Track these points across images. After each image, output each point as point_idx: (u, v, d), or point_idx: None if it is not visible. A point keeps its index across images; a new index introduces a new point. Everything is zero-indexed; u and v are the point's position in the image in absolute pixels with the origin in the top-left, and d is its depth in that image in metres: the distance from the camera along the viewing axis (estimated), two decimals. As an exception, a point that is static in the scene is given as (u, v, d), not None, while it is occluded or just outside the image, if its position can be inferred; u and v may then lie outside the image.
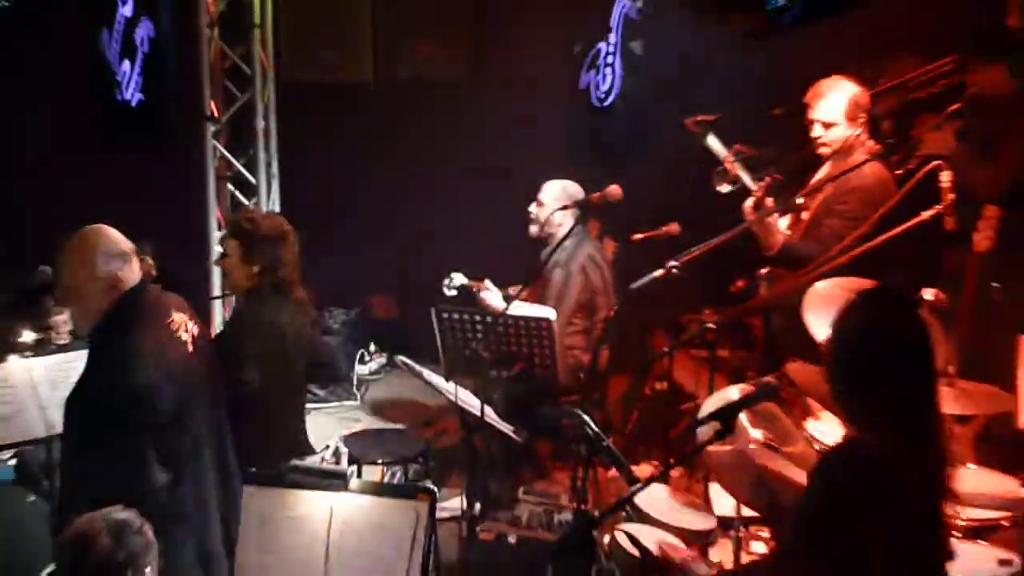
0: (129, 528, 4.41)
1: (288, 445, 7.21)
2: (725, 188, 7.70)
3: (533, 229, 8.77)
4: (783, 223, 7.47)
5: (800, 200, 7.38)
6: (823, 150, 7.45)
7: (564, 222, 8.57)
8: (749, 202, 7.47)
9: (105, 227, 5.95)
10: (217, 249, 10.31)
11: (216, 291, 10.22)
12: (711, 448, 5.38)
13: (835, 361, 4.63)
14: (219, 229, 10.46)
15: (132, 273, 5.93)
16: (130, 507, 4.60)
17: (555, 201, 8.66)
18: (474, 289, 8.58)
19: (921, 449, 4.54)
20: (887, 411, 4.56)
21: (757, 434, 5.12)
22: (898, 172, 7.25)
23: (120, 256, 5.89)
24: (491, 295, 8.52)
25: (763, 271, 7.68)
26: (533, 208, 8.76)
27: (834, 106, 7.41)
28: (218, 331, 7.17)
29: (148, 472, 5.82)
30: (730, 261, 7.66)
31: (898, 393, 4.57)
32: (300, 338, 7.33)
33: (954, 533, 5.51)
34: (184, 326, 6.13)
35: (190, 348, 6.12)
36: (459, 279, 8.52)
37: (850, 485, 4.43)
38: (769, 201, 7.34)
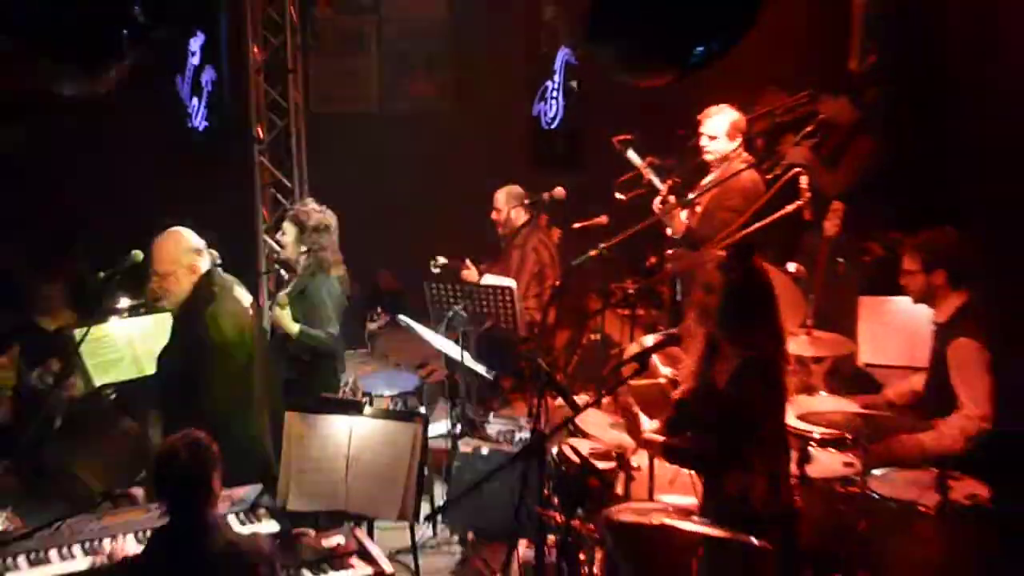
0: (201, 446, 4.43)
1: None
2: (622, 196, 7.72)
3: (500, 229, 8.86)
4: (683, 216, 7.49)
5: (693, 197, 7.42)
6: (708, 157, 7.47)
7: (519, 216, 8.69)
8: (658, 200, 7.52)
9: (182, 228, 6.18)
10: (264, 238, 10.33)
11: (263, 269, 10.22)
12: (632, 382, 5.46)
13: (723, 305, 4.74)
14: (263, 223, 10.51)
15: (205, 261, 6.13)
16: (204, 430, 4.62)
17: (507, 203, 8.77)
18: (455, 267, 8.63)
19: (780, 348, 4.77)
20: (761, 329, 4.67)
21: (666, 371, 5.16)
22: (768, 177, 7.28)
23: (195, 249, 6.12)
24: (469, 272, 8.56)
25: (669, 252, 7.71)
26: (494, 215, 8.84)
27: (718, 125, 7.43)
28: (296, 296, 7.15)
29: (222, 405, 5.94)
30: (645, 243, 7.69)
31: (765, 317, 4.69)
32: (341, 303, 7.34)
33: (811, 444, 5.57)
34: (243, 298, 6.22)
35: (251, 313, 6.19)
36: (442, 260, 8.53)
37: (755, 380, 4.64)
38: (671, 199, 7.40)
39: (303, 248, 7.24)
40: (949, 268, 5.86)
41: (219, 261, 6.29)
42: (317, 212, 7.30)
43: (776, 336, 4.78)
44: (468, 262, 8.65)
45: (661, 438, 5.09)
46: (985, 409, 5.66)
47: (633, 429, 5.14)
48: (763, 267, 4.80)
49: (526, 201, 8.63)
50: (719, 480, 4.78)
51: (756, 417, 4.67)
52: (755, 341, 4.75)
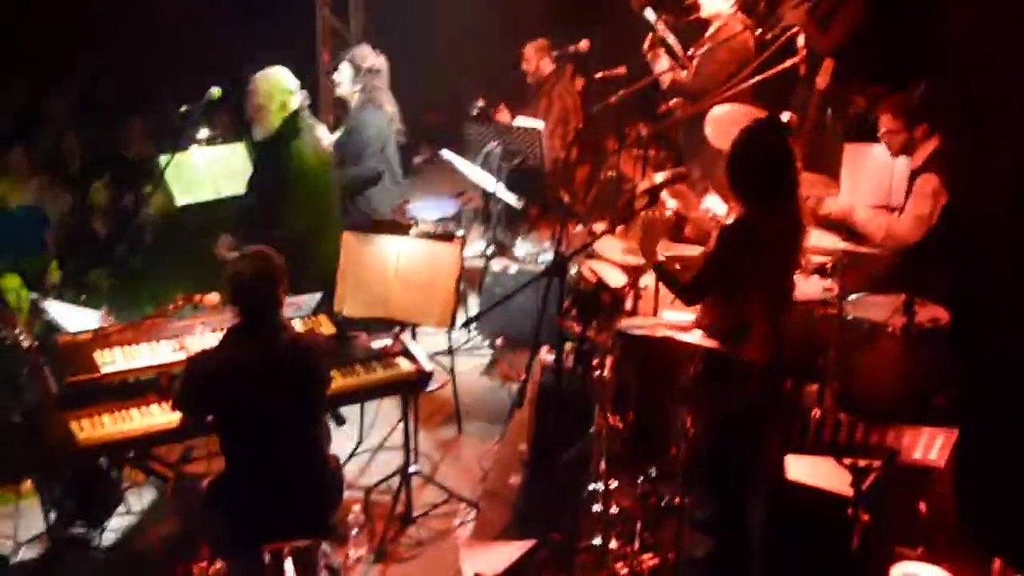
0: (268, 262, 4.42)
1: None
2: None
3: (529, 79, 8.79)
4: (664, 64, 7.24)
5: (690, 52, 7.25)
6: (703, 14, 7.21)
7: (546, 66, 8.65)
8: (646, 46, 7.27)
9: (281, 68, 6.16)
10: (323, 82, 10.11)
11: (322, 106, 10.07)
12: (643, 213, 5.41)
13: (733, 162, 4.63)
14: (323, 66, 10.26)
15: (295, 100, 6.15)
16: (286, 247, 4.63)
17: (535, 55, 8.71)
18: (492, 108, 8.52)
19: (787, 217, 4.58)
20: (766, 191, 4.58)
21: (673, 204, 5.09)
22: (767, 36, 7.08)
23: (289, 90, 6.13)
24: (503, 114, 8.46)
25: (676, 100, 7.57)
26: (524, 65, 8.76)
27: None
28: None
29: (302, 224, 6.03)
30: (658, 92, 7.54)
31: (770, 180, 4.58)
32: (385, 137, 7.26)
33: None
34: (324, 137, 6.55)
35: (329, 149, 6.53)
36: (480, 103, 8.42)
37: (743, 238, 4.52)
38: (661, 53, 7.18)
39: (357, 87, 7.14)
40: (926, 121, 5.75)
41: (308, 102, 6.28)
42: (371, 55, 7.20)
43: (773, 203, 4.62)
44: (503, 106, 8.53)
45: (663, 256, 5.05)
46: (916, 233, 5.68)
47: (648, 251, 5.09)
48: (774, 140, 4.67)
49: (554, 53, 8.58)
50: (716, 314, 4.74)
51: (726, 268, 4.59)
52: (747, 202, 4.63)
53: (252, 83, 6.11)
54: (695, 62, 7.19)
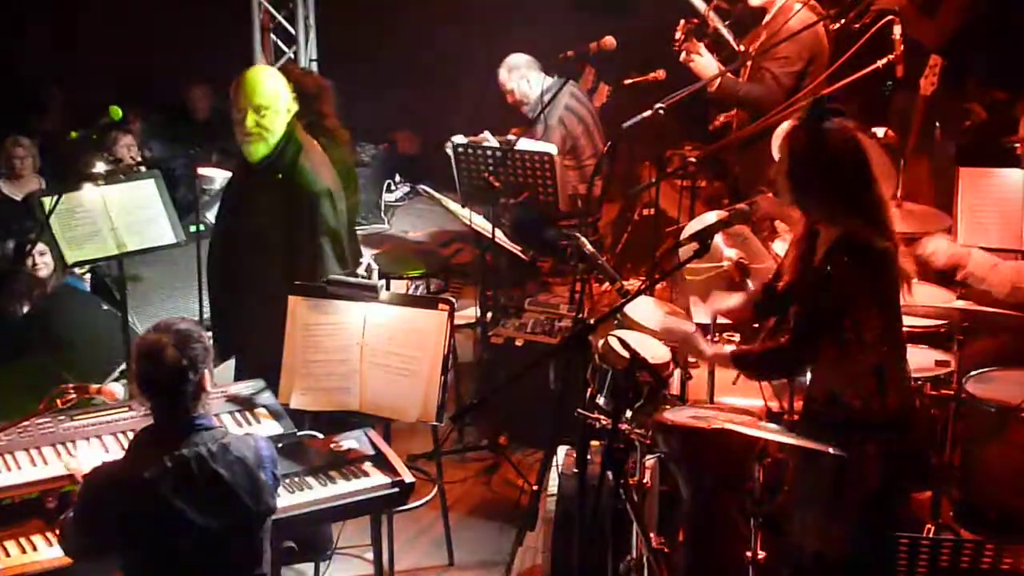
0: (191, 337, 4.40)
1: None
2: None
3: (522, 109, 8.89)
4: (709, 64, 7.29)
5: (743, 48, 7.28)
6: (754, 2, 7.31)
7: (533, 84, 8.76)
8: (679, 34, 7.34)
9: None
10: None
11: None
12: (691, 265, 5.41)
13: (791, 170, 4.65)
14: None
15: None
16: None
17: (512, 76, 8.80)
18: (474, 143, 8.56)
19: (880, 229, 4.59)
20: (845, 202, 4.58)
21: (731, 253, 5.10)
22: (855, 26, 7.13)
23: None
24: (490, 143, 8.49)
25: (734, 112, 7.61)
26: (508, 98, 8.88)
27: None
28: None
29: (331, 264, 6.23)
30: (709, 102, 7.59)
31: (849, 185, 4.59)
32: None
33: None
34: None
35: None
36: (459, 139, 8.37)
37: (855, 257, 4.53)
38: (696, 45, 7.22)
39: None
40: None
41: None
42: (305, 76, 7.35)
43: (870, 213, 4.65)
44: (487, 134, 8.49)
45: (729, 349, 5.04)
46: None
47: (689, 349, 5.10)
48: (847, 129, 4.69)
49: (569, 54, 8.48)
50: (838, 373, 4.72)
51: (848, 302, 4.60)
52: (840, 215, 4.65)
53: (246, 83, 6.14)
54: (751, 62, 7.25)
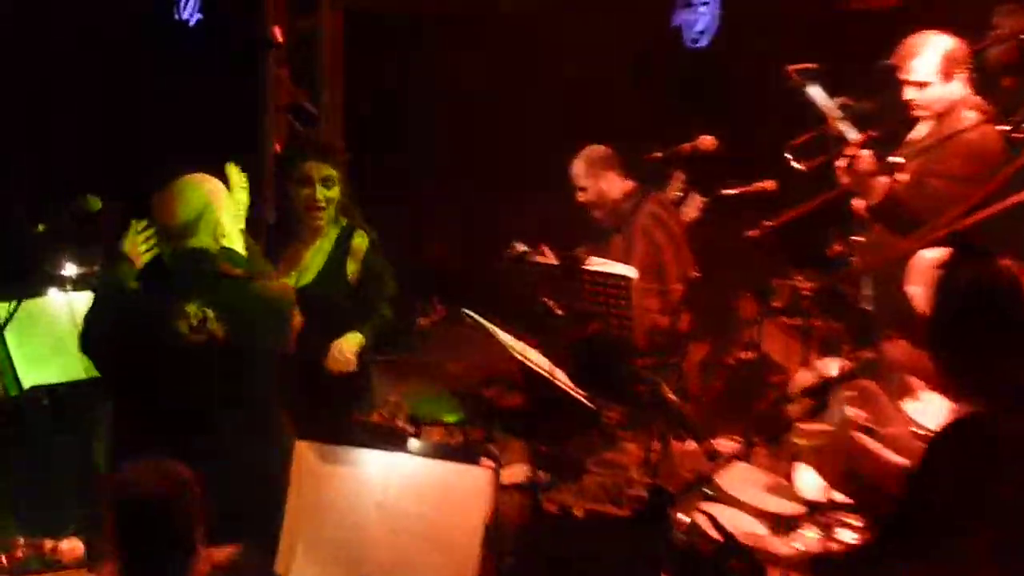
0: (182, 481, 4.42)
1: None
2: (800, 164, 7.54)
3: (596, 213, 9.02)
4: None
5: (898, 160, 7.30)
6: (920, 113, 7.39)
7: (613, 185, 8.88)
8: (843, 159, 7.40)
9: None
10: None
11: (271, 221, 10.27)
12: (801, 426, 5.38)
13: (941, 329, 4.61)
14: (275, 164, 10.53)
15: None
16: None
17: (590, 173, 8.94)
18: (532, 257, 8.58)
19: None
20: (1002, 379, 4.53)
21: (853, 413, 5.08)
22: (1017, 135, 7.16)
23: None
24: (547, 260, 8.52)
25: (860, 237, 7.61)
26: (580, 196, 9.01)
27: (926, 64, 7.34)
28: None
29: None
30: (826, 224, 7.60)
31: (1012, 359, 4.54)
32: None
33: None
34: None
35: None
36: (521, 247, 8.44)
37: (971, 469, 4.42)
38: (866, 156, 7.25)
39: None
40: None
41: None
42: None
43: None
44: (546, 249, 8.54)
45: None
46: None
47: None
48: (1010, 271, 4.68)
49: (658, 155, 8.70)
50: None
51: (957, 507, 4.53)
52: (985, 381, 4.61)
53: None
54: (904, 176, 7.26)
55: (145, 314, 6.01)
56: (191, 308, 5.91)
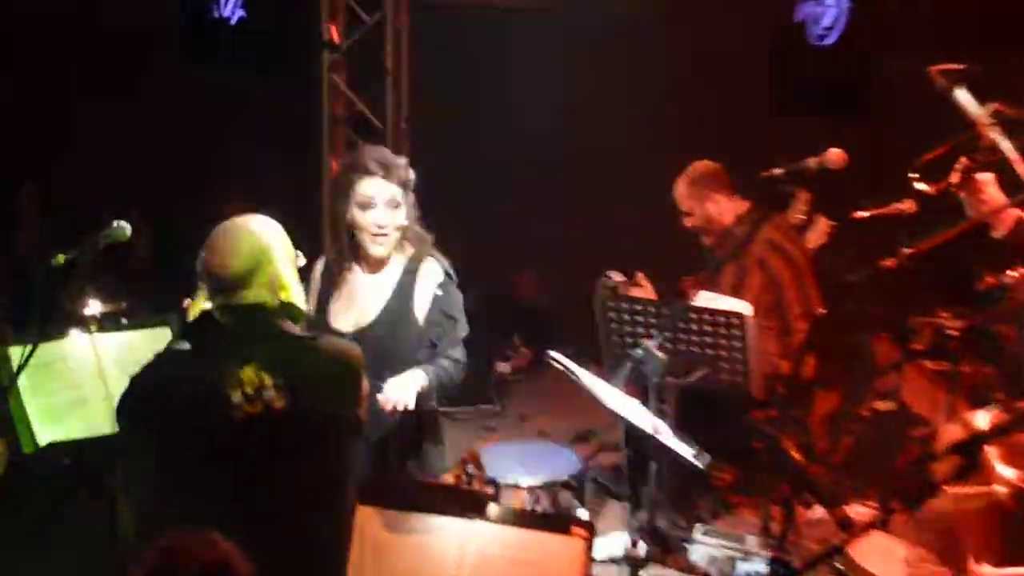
0: (230, 560, 4.44)
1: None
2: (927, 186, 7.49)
3: (705, 240, 9.00)
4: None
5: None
6: None
7: (724, 208, 8.81)
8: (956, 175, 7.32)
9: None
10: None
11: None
12: (949, 489, 5.33)
13: None
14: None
15: None
16: None
17: (694, 194, 8.88)
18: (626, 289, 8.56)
19: None
20: None
21: (1010, 473, 5.04)
22: None
23: None
24: (643, 291, 8.50)
25: (1014, 271, 7.56)
26: (686, 221, 8.96)
27: None
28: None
29: None
30: (976, 252, 7.56)
31: None
32: None
33: None
34: None
35: None
36: (617, 276, 8.45)
37: None
38: (988, 178, 7.18)
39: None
40: None
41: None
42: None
43: None
44: (641, 277, 8.53)
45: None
46: None
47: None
48: None
49: (775, 172, 8.62)
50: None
51: None
52: None
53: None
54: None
55: (192, 379, 5.98)
56: (246, 374, 5.90)
